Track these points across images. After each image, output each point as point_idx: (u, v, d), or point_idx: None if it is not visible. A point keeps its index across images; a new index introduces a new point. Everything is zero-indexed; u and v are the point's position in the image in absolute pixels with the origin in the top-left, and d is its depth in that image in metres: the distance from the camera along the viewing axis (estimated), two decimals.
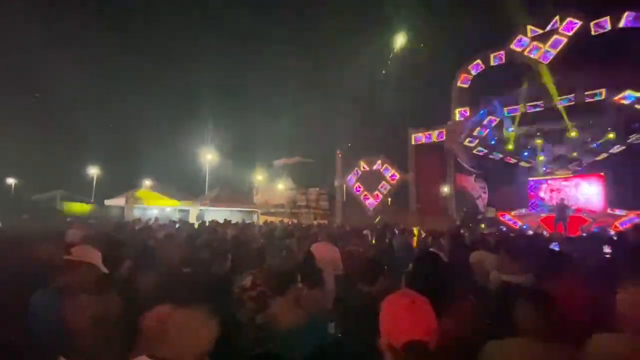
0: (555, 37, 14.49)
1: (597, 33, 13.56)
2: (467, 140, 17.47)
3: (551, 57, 14.51)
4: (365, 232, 8.43)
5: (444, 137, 17.80)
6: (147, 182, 22.99)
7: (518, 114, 15.68)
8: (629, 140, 15.42)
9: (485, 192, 20.06)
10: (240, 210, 20.40)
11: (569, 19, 14.21)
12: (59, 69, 23.19)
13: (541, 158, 18.11)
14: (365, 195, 20.77)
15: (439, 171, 18.14)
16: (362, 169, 21.10)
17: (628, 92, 13.13)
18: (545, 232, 12.45)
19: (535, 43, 15.00)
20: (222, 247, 4.11)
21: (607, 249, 5.41)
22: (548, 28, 14.73)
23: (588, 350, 1.46)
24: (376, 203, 20.20)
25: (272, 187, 25.06)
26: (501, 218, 17.39)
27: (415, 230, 9.72)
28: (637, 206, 14.34)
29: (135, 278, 2.68)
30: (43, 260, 2.59)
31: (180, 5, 34.07)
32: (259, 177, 25.24)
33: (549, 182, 18.57)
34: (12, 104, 25.24)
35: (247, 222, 12.86)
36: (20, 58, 24.36)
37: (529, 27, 15.20)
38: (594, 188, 17.22)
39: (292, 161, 24.86)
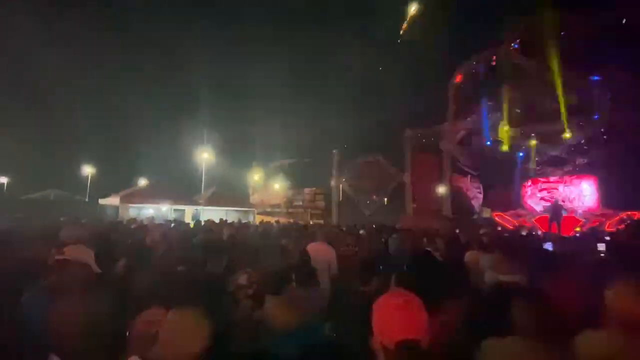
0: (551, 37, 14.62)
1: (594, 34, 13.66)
2: (463, 140, 17.58)
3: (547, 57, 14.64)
4: (361, 232, 8.44)
5: (441, 138, 17.90)
6: (143, 181, 22.86)
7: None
8: (621, 142, 15.60)
9: (480, 193, 20.19)
10: (236, 210, 20.34)
11: (565, 19, 14.33)
12: (53, 67, 22.96)
13: (536, 159, 18.27)
14: (361, 195, 20.78)
15: (435, 171, 18.24)
16: (359, 169, 21.14)
17: None
18: (539, 232, 12.56)
19: (531, 43, 15.11)
20: (217, 246, 4.09)
21: (600, 248, 5.46)
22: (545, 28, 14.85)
23: (577, 347, 1.48)
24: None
25: (269, 187, 25.01)
26: (496, 218, 17.53)
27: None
28: (629, 206, 14.52)
29: (130, 278, 2.66)
30: (35, 260, 2.56)
31: (177, 4, 33.92)
32: (256, 176, 25.18)
33: (543, 182, 18.74)
34: (5, 102, 24.97)
35: (243, 221, 12.82)
36: (13, 56, 24.10)
37: (525, 27, 15.32)
38: (587, 188, 17.42)
39: (288, 161, 24.82)
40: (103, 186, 23.03)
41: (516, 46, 15.38)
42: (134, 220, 10.11)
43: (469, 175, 19.62)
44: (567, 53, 14.18)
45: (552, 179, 18.47)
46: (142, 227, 7.74)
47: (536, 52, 14.83)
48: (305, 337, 2.10)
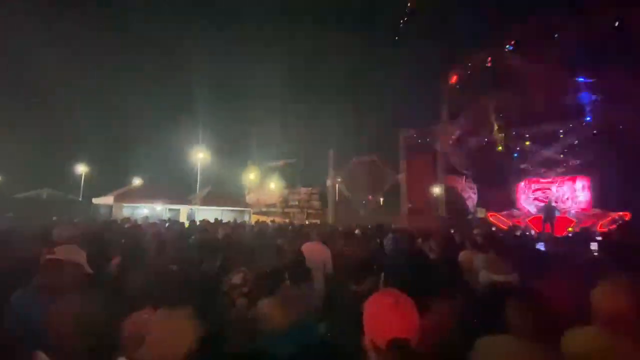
0: (545, 39, 14.78)
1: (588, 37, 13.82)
2: (458, 141, 17.70)
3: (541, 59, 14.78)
4: (356, 231, 8.44)
5: (435, 138, 18.00)
6: (137, 181, 22.68)
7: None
8: (613, 143, 15.81)
9: (475, 193, 20.34)
10: (231, 210, 20.27)
11: (558, 23, 14.49)
12: (48, 65, 22.69)
13: (529, 160, 18.47)
14: (357, 195, 20.83)
15: (430, 171, 18.33)
16: (354, 169, 21.18)
17: None
18: (533, 232, 12.69)
19: (526, 45, 15.27)
20: (212, 246, 4.07)
21: (593, 248, 5.53)
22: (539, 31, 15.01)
23: (563, 345, 1.51)
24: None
25: (264, 187, 24.95)
26: (491, 218, 17.67)
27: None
28: (621, 207, 14.73)
29: (123, 278, 2.64)
30: (26, 259, 2.54)
31: (172, 3, 33.69)
32: (251, 176, 25.11)
33: (537, 183, 18.94)
34: None
35: (239, 221, 12.78)
36: (7, 55, 23.75)
37: (520, 29, 15.46)
38: (580, 189, 17.64)
39: (284, 161, 24.79)
40: (97, 185, 22.83)
41: (510, 48, 15.51)
42: (127, 219, 10.03)
43: (464, 176, 19.75)
44: (560, 55, 14.34)
45: (545, 179, 18.67)
46: (136, 227, 7.69)
47: (530, 54, 14.96)
48: (300, 336, 2.10)
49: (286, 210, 23.87)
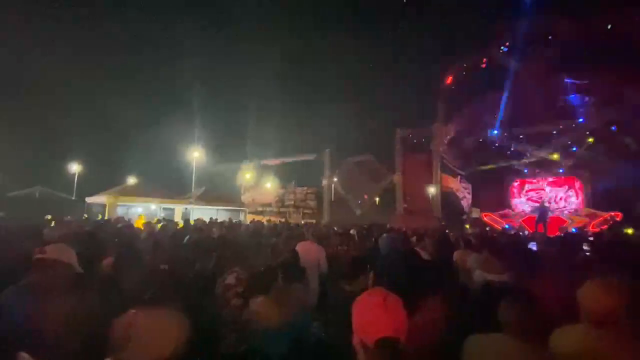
0: (539, 42, 14.93)
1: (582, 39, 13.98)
2: (453, 141, 17.82)
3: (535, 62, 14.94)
4: (352, 231, 8.45)
5: (431, 138, 18.10)
6: (131, 179, 22.48)
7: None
8: (606, 144, 16.03)
9: (469, 193, 20.48)
10: (227, 209, 20.18)
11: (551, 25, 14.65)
12: (40, 63, 22.41)
13: (524, 160, 18.65)
14: (352, 195, 20.88)
15: (426, 171, 18.42)
16: (350, 168, 21.22)
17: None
18: (526, 232, 12.81)
19: (520, 47, 15.42)
20: (207, 245, 4.05)
21: (585, 249, 5.59)
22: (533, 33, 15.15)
23: (552, 343, 1.53)
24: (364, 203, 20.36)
25: (260, 186, 24.88)
26: (485, 218, 17.81)
27: None
28: (613, 207, 14.92)
29: (114, 278, 2.61)
30: (16, 258, 2.50)
31: (166, 1, 33.45)
32: (247, 175, 25.02)
33: (530, 183, 19.13)
34: None
35: (234, 221, 12.73)
36: None
37: (514, 31, 15.61)
38: (573, 190, 17.85)
39: (280, 160, 24.73)
40: (90, 184, 22.55)
41: (505, 49, 15.64)
42: (121, 218, 9.94)
43: (459, 176, 19.89)
44: (554, 57, 14.48)
45: (539, 180, 18.87)
46: (129, 226, 7.62)
47: (524, 55, 15.10)
48: (294, 335, 2.10)
49: (282, 209, 23.82)
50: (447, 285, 2.28)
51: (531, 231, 13.23)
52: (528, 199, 18.85)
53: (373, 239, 6.24)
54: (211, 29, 36.76)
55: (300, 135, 24.93)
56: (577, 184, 17.74)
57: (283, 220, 15.81)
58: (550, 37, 14.58)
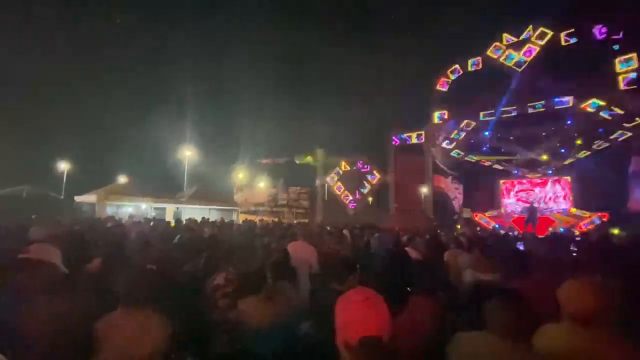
0: (528, 45, 15.14)
1: (567, 43, 14.26)
2: (445, 143, 17.98)
3: (524, 65, 15.16)
4: (344, 231, 8.46)
5: (423, 140, 18.25)
6: (122, 178, 22.16)
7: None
8: (593, 146, 16.35)
9: (460, 194, 20.71)
10: (219, 209, 20.02)
11: (540, 29, 14.88)
12: (29, 60, 21.93)
13: (514, 161, 18.93)
14: (345, 195, 20.92)
15: (418, 172, 18.56)
16: (343, 168, 21.26)
17: (593, 100, 13.90)
18: (516, 232, 13.00)
19: (510, 51, 15.62)
20: (197, 245, 4.01)
21: (573, 248, 5.70)
22: (522, 37, 15.37)
23: (534, 341, 1.56)
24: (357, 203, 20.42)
25: (253, 186, 24.76)
26: (476, 218, 18.01)
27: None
28: (600, 208, 15.23)
29: (102, 278, 2.56)
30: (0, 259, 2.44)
31: (155, 0, 33.03)
32: (240, 175, 24.87)
33: (520, 184, 19.41)
34: None
35: (227, 220, 12.64)
36: None
37: (504, 35, 15.80)
38: (562, 190, 18.18)
39: (273, 160, 24.64)
40: (80, 183, 22.13)
41: (497, 52, 15.82)
42: (111, 218, 9.78)
43: (450, 177, 20.08)
44: (544, 60, 14.72)
45: (528, 180, 19.16)
46: (119, 226, 7.50)
47: (516, 57, 15.31)
48: (285, 335, 2.09)
49: (275, 209, 23.75)
50: (437, 284, 2.29)
51: (521, 231, 13.43)
52: (518, 200, 19.13)
53: (365, 239, 6.27)
54: (203, 28, 36.49)
55: (293, 136, 24.90)
56: (566, 185, 18.07)
57: (276, 219, 15.75)
58: (541, 41, 14.80)
